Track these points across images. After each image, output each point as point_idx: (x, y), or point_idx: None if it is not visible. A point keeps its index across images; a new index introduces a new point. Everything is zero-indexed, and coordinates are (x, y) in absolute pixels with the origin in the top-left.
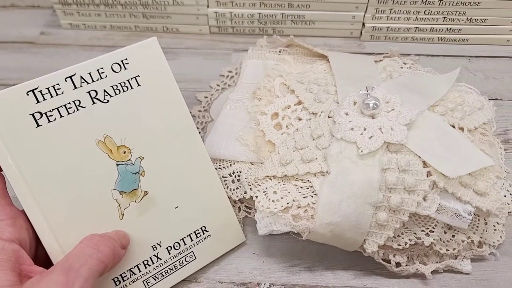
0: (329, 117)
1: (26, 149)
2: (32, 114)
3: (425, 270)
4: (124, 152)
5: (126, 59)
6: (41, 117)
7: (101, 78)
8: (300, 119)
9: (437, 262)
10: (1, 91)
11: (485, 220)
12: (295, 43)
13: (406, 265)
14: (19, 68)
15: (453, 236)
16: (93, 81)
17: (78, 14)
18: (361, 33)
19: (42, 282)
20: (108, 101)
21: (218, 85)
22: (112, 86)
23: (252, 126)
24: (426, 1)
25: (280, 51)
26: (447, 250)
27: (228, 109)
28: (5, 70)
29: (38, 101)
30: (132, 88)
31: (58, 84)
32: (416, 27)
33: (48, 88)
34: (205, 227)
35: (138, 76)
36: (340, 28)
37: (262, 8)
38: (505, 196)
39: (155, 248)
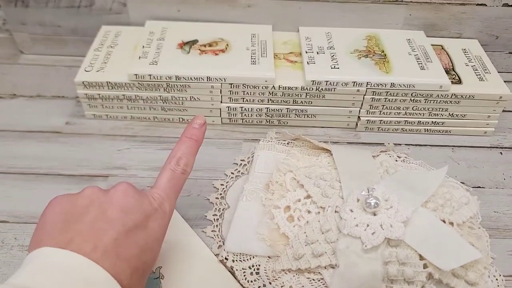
0: (335, 211)
1: None
2: None
3: None
4: None
5: None
6: None
7: None
8: (310, 212)
9: None
10: None
11: None
12: (302, 138)
13: None
14: (48, 157)
15: None
16: None
17: (102, 107)
18: (356, 124)
19: None
20: None
21: (232, 173)
22: None
23: (267, 220)
24: (413, 99)
25: (288, 143)
26: None
27: (244, 201)
28: (34, 159)
29: None
30: None
31: None
32: (405, 120)
33: None
34: None
35: None
36: (338, 120)
37: (270, 103)
38: (492, 281)
39: None
